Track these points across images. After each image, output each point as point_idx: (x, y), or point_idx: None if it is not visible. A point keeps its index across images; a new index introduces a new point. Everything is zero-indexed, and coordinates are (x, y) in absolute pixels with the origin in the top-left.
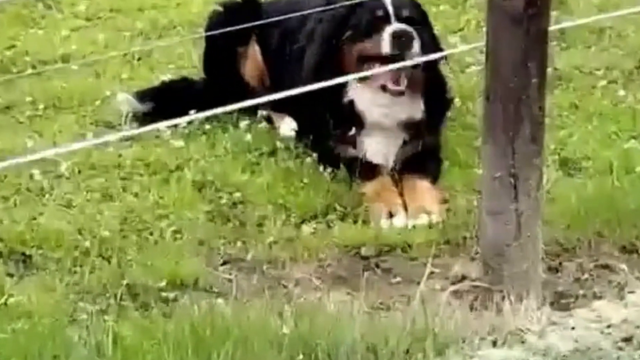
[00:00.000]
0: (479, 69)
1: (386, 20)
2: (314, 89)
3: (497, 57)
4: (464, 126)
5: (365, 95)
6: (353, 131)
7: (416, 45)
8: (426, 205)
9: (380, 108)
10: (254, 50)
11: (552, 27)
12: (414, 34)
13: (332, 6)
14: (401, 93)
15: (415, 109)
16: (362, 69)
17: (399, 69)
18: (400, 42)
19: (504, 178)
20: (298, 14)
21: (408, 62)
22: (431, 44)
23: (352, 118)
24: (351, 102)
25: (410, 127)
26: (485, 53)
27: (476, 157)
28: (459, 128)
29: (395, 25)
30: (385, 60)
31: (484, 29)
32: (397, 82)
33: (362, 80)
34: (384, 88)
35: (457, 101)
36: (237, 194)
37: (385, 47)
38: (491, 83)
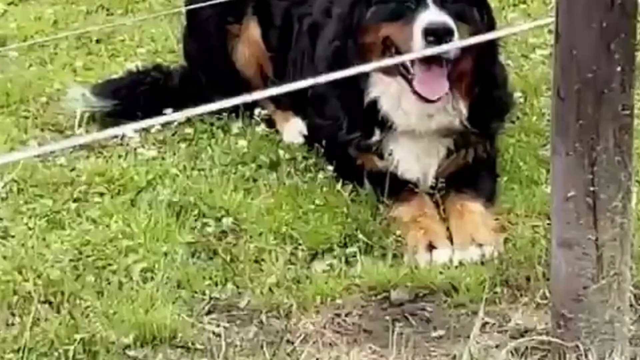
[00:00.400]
0: (547, 53)
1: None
2: (331, 81)
3: (570, 38)
4: (527, 130)
5: (393, 91)
6: (378, 137)
7: (456, 40)
8: (478, 235)
9: (413, 108)
10: (251, 30)
11: None
12: (454, 29)
13: None
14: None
15: (461, 109)
16: (388, 57)
17: (436, 63)
18: (435, 39)
19: (580, 198)
20: None
21: (451, 46)
22: (484, 23)
23: (377, 121)
24: (374, 101)
25: (456, 133)
26: (554, 33)
27: (544, 171)
28: (521, 133)
29: (431, 15)
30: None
31: (553, 1)
32: (431, 85)
33: (387, 72)
34: (416, 93)
35: (518, 97)
36: (228, 220)
37: (417, 44)
38: (562, 73)
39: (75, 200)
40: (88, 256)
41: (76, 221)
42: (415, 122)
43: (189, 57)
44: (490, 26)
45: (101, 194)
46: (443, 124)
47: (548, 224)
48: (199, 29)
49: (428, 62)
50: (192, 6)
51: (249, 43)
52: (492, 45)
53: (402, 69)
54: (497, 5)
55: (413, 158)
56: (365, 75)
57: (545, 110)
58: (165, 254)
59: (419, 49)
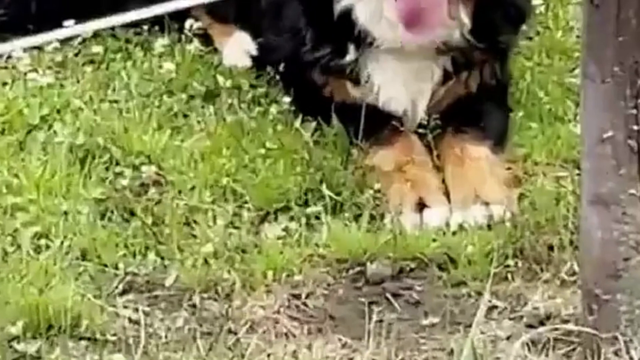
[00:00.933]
0: None
1: None
2: None
3: None
4: (549, 50)
5: None
6: (353, 55)
7: None
8: (484, 190)
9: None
10: None
11: None
12: None
13: None
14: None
15: (462, 18)
16: None
17: None
18: None
19: (619, 140)
20: None
21: None
22: None
23: (351, 34)
24: (348, 9)
25: (455, 50)
26: None
27: (572, 105)
28: (542, 53)
29: None
30: None
31: None
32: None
33: None
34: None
35: (537, 4)
36: (149, 169)
37: None
38: None
39: None
40: None
41: None
42: (401, 35)
43: None
44: None
45: None
46: (439, 38)
47: (578, 174)
48: None
49: None
50: None
51: None
52: None
53: None
54: None
55: (398, 84)
56: None
57: (573, 24)
58: (66, 214)
59: None
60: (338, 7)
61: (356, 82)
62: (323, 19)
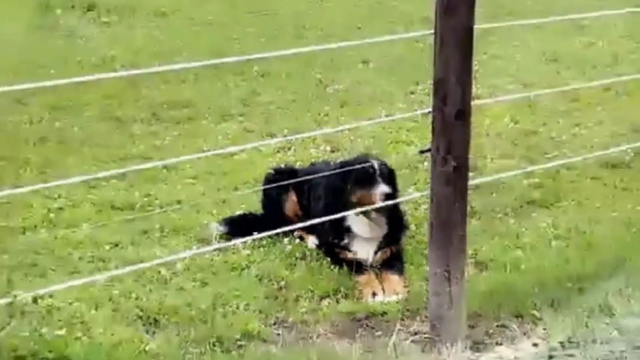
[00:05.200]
0: (426, 207)
1: (375, 180)
2: (326, 219)
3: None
4: (418, 241)
5: (358, 220)
6: (347, 241)
7: (390, 196)
8: (395, 289)
9: (367, 227)
10: (292, 196)
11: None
12: (392, 191)
13: (336, 170)
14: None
15: (385, 227)
16: (359, 207)
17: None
18: (385, 197)
19: (441, 273)
20: (318, 175)
21: (384, 204)
22: (396, 192)
23: (350, 235)
24: (349, 226)
25: (384, 239)
26: (430, 198)
27: (424, 260)
28: (415, 242)
29: (382, 187)
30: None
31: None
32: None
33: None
34: (368, 216)
35: (412, 226)
36: (283, 282)
37: (378, 199)
38: (434, 218)
39: (213, 274)
40: (223, 302)
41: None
42: (368, 233)
43: (265, 209)
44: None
45: (226, 271)
46: (379, 234)
47: (427, 283)
48: (269, 197)
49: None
50: (266, 187)
51: (291, 203)
52: (398, 202)
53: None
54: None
55: (365, 252)
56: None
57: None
58: (255, 298)
59: (378, 200)
60: (345, 224)
61: (350, 252)
62: (340, 230)
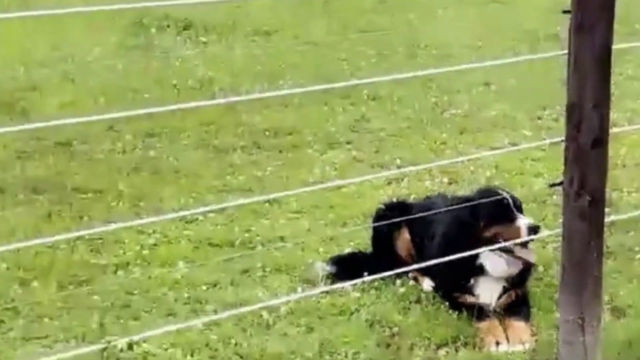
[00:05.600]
0: (556, 246)
1: (512, 212)
2: (445, 260)
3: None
4: (546, 284)
5: (494, 258)
6: (472, 283)
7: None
8: (522, 337)
9: (502, 266)
10: (405, 234)
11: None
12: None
13: (453, 207)
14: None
15: (519, 265)
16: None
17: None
18: (531, 230)
19: (574, 320)
20: (434, 212)
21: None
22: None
23: (477, 275)
24: (481, 264)
25: (511, 281)
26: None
27: (554, 305)
28: (542, 285)
29: (526, 220)
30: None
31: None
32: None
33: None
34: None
35: (540, 267)
36: (395, 328)
37: (524, 234)
38: (566, 259)
39: (319, 318)
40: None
41: (319, 329)
42: (499, 274)
43: (375, 247)
44: None
45: (332, 314)
46: (510, 274)
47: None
48: (379, 234)
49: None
50: (376, 223)
51: (404, 241)
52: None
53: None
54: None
55: (488, 295)
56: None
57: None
58: (365, 346)
59: (524, 235)
60: (477, 262)
61: (472, 294)
62: (466, 269)
